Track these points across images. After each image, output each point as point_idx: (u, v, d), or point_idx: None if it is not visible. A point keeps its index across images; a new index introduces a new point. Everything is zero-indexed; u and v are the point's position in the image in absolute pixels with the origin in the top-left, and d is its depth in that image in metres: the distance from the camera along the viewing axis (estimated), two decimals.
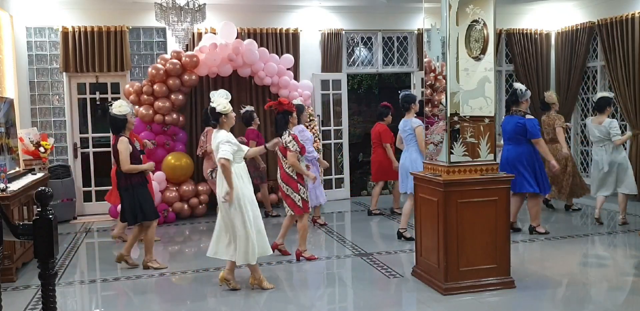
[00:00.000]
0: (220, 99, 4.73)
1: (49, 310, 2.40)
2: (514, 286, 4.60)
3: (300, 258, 5.63)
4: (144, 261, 5.46)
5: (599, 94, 6.98)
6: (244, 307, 4.43)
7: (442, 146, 4.61)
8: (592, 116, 7.32)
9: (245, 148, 4.85)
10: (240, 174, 4.67)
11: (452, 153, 4.48)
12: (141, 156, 5.65)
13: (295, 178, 5.43)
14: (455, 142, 4.48)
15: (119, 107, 5.33)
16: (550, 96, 7.51)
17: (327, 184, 8.98)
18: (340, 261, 5.74)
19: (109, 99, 8.35)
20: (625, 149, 8.52)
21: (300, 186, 5.44)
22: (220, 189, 4.64)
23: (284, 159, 5.45)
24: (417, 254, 4.99)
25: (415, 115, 6.39)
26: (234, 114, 4.79)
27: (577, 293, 4.63)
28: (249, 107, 7.60)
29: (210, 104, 4.76)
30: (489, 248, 4.55)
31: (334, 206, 8.61)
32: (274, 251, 5.73)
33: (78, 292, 4.99)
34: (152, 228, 5.46)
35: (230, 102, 4.85)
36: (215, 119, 4.73)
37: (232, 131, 5.24)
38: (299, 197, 5.43)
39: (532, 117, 6.22)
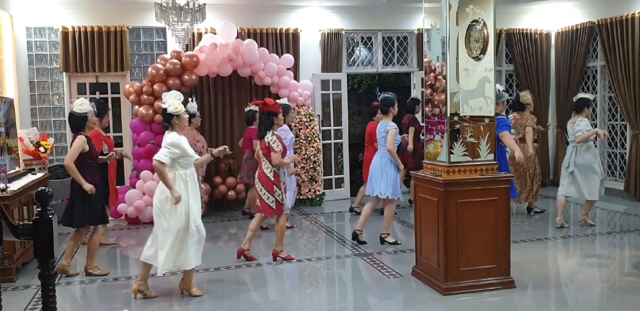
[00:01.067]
0: (171, 100, 4.59)
1: (49, 310, 2.40)
2: (514, 286, 4.60)
3: (277, 258, 5.58)
4: (86, 267, 5.30)
5: (579, 95, 6.91)
6: (244, 306, 4.42)
7: (442, 146, 4.62)
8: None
9: (194, 155, 4.64)
10: (185, 180, 4.51)
11: (452, 153, 4.48)
12: (103, 157, 5.62)
13: (272, 179, 5.37)
14: (455, 142, 4.48)
15: (80, 105, 5.19)
16: (525, 96, 7.44)
17: (327, 184, 8.99)
18: (340, 261, 5.74)
19: (109, 99, 8.39)
20: (626, 149, 8.52)
21: (276, 188, 5.37)
22: (158, 192, 4.52)
23: (265, 159, 5.39)
24: (417, 254, 4.99)
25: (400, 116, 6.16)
26: (186, 116, 4.65)
27: (576, 293, 4.63)
28: (252, 107, 7.60)
29: (162, 105, 4.63)
30: (489, 248, 4.55)
31: (334, 206, 8.61)
32: (239, 258, 5.65)
33: (78, 292, 4.99)
34: (98, 232, 5.34)
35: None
36: (166, 120, 4.60)
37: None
38: (273, 199, 5.37)
39: (502, 116, 6.15)
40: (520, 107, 7.38)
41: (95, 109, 5.44)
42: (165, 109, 4.57)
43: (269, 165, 5.38)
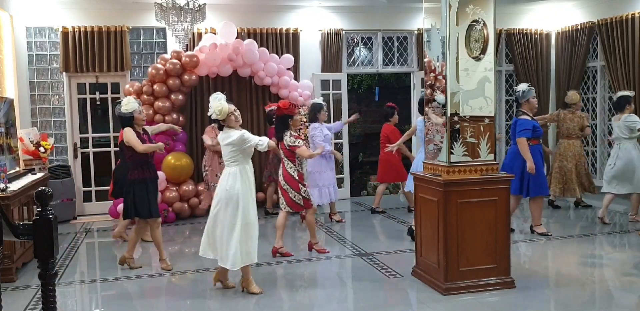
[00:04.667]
0: (213, 105, 4.65)
1: (49, 310, 2.40)
2: (514, 286, 4.61)
3: (312, 249, 5.94)
4: (125, 257, 5.53)
5: (619, 93, 7.16)
6: (244, 307, 4.42)
7: (442, 146, 4.62)
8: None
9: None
10: (247, 176, 4.62)
11: (452, 153, 4.48)
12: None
13: (297, 178, 5.61)
14: (455, 142, 4.48)
15: (126, 105, 5.34)
16: (569, 97, 7.79)
17: None
18: (340, 261, 5.74)
19: (109, 99, 8.38)
20: None
21: (301, 186, 5.62)
22: (223, 184, 4.61)
23: (287, 159, 5.62)
24: (417, 254, 4.99)
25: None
26: (232, 117, 4.64)
27: (577, 293, 4.63)
28: (273, 107, 7.71)
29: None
30: (489, 248, 4.55)
31: None
32: (274, 256, 5.78)
33: (78, 292, 4.99)
34: (159, 226, 5.50)
35: (230, 102, 4.80)
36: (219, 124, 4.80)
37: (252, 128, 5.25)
38: (300, 196, 5.61)
39: (526, 117, 6.17)
40: (567, 106, 7.75)
41: (139, 107, 5.54)
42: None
43: (292, 165, 5.62)
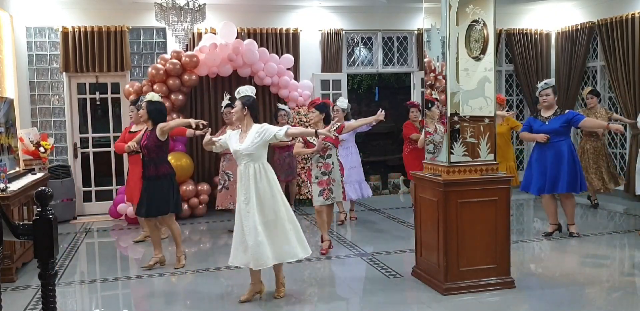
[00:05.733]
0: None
1: (49, 310, 2.40)
2: (514, 286, 4.60)
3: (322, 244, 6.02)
4: (177, 254, 5.56)
5: None
6: (243, 306, 4.42)
7: (442, 146, 4.62)
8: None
9: (233, 151, 4.47)
10: (243, 177, 4.39)
11: (452, 153, 4.48)
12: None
13: (307, 174, 5.92)
14: (455, 142, 4.48)
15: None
16: (583, 93, 8.02)
17: None
18: (340, 261, 5.74)
19: (109, 99, 8.37)
20: (626, 149, 8.54)
21: (308, 183, 5.90)
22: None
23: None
24: (417, 254, 4.99)
25: None
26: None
27: (577, 293, 4.63)
28: (281, 106, 7.88)
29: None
30: (489, 248, 4.55)
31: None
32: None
33: (78, 292, 4.99)
34: (174, 221, 5.56)
35: (247, 98, 4.60)
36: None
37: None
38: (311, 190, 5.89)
39: (530, 116, 6.26)
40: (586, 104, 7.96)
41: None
42: None
43: (311, 160, 5.82)
